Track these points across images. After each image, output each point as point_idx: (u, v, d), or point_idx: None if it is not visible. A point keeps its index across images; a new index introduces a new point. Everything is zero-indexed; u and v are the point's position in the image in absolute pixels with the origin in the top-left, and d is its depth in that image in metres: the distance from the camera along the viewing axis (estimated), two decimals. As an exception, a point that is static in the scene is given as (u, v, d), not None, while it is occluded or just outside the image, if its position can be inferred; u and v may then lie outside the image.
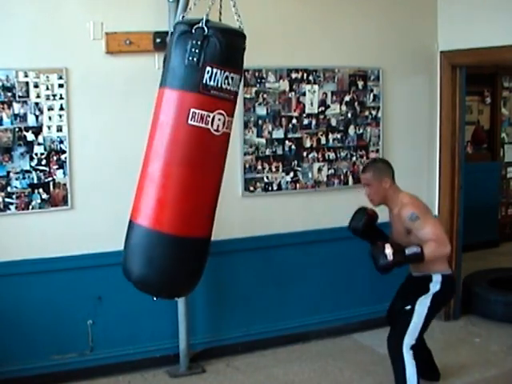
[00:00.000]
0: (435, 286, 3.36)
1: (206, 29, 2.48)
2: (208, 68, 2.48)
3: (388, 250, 3.14)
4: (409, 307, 3.37)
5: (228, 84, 2.54)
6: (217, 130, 2.53)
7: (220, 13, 2.82)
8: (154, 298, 2.81)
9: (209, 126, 2.51)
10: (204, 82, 2.48)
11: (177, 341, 4.01)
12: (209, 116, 2.50)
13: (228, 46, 2.54)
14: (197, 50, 2.47)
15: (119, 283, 3.86)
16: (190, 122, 2.48)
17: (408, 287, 3.56)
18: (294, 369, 4.06)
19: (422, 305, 3.35)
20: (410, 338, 3.34)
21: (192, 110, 2.48)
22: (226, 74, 2.52)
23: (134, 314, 3.96)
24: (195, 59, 2.47)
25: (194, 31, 2.48)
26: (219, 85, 2.51)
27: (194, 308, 4.04)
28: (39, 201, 3.68)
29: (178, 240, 2.57)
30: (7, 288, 3.63)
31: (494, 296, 4.82)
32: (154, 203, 2.57)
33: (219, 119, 2.53)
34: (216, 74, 2.49)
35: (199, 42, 2.47)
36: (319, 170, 4.43)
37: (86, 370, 3.84)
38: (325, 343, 4.44)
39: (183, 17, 2.71)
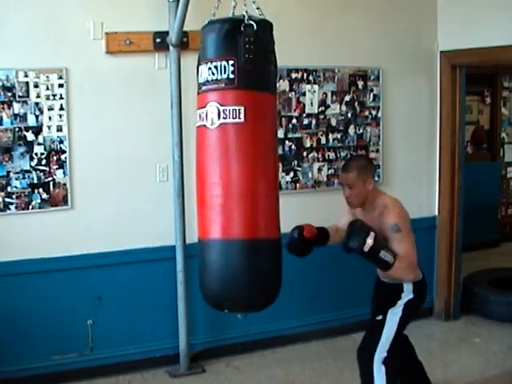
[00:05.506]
0: (408, 295, 3.07)
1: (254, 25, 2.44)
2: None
3: (370, 241, 2.83)
4: (380, 317, 3.09)
5: (275, 76, 2.61)
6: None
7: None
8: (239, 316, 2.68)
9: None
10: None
11: (177, 341, 4.02)
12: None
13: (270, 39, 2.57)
14: (252, 46, 2.43)
15: (119, 283, 3.91)
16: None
17: (379, 294, 3.27)
18: (294, 369, 4.06)
19: (394, 315, 3.07)
20: (381, 351, 3.03)
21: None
22: (272, 67, 2.55)
23: (134, 314, 3.96)
24: (251, 56, 2.44)
25: (243, 29, 2.43)
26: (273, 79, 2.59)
27: (194, 308, 4.03)
28: (39, 201, 3.68)
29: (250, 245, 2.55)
30: (7, 288, 3.63)
31: (494, 296, 4.81)
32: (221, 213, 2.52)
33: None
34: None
35: (252, 39, 2.43)
36: (319, 169, 4.43)
37: (85, 370, 3.84)
38: (325, 343, 4.44)
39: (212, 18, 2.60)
